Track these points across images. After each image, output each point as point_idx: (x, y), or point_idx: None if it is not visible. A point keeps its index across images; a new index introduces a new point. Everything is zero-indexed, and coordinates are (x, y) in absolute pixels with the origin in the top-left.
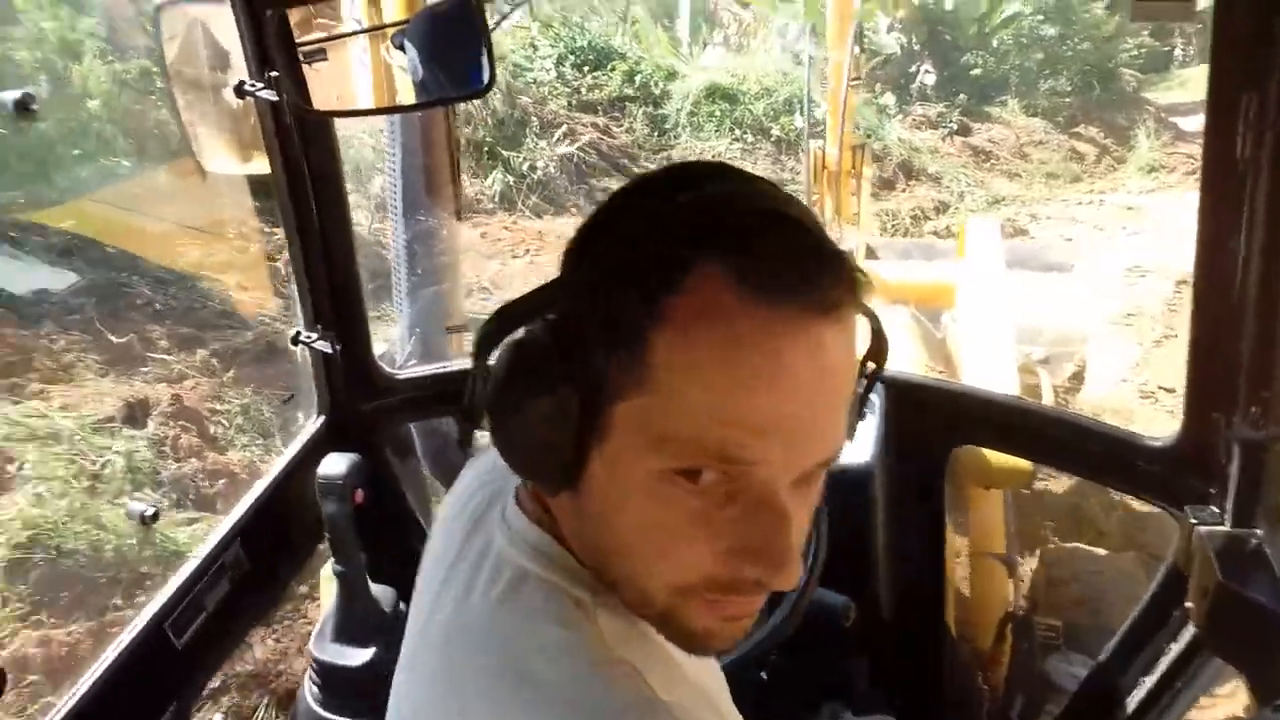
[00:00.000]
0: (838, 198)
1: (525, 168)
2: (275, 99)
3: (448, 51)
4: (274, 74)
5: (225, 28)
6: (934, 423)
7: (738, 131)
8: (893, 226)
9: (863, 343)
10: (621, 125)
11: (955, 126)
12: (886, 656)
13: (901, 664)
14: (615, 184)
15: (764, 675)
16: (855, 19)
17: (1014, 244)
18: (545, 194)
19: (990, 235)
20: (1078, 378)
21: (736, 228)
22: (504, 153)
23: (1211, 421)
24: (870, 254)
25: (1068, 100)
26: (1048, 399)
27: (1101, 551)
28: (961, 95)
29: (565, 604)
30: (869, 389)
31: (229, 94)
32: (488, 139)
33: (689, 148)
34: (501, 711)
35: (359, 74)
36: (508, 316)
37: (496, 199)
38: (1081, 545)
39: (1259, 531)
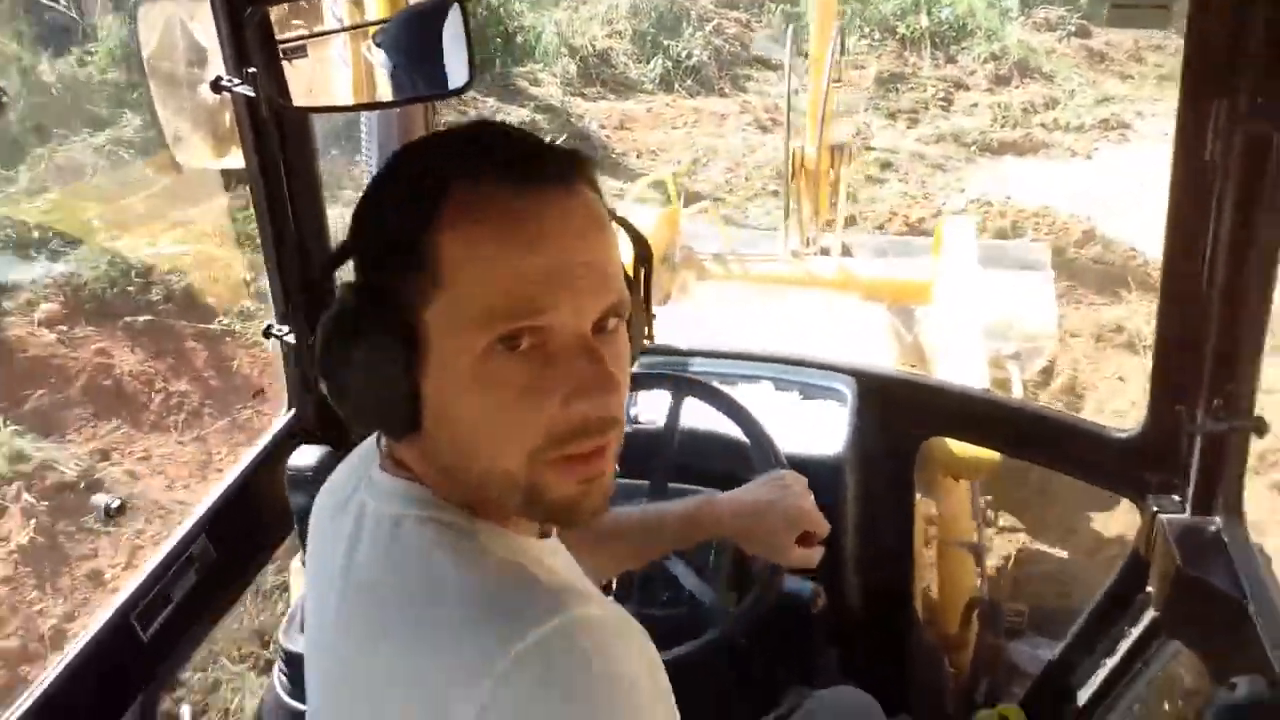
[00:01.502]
0: (815, 199)
1: (682, 54)
2: (252, 94)
3: (428, 50)
4: (252, 70)
5: (204, 23)
6: (904, 415)
7: (866, 29)
8: (1004, 119)
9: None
10: (761, 21)
11: (1074, 29)
12: (854, 642)
13: (869, 649)
14: (755, 73)
15: (730, 662)
16: (837, 20)
17: (988, 243)
18: (698, 78)
19: (965, 234)
20: (1047, 372)
21: (481, 143)
22: (664, 41)
23: (1174, 414)
24: (846, 252)
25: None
26: (1018, 393)
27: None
28: None
29: (445, 531)
30: (648, 279)
31: (205, 89)
32: (650, 29)
33: None
34: (417, 632)
35: (339, 71)
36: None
37: (656, 81)
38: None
39: (1218, 519)
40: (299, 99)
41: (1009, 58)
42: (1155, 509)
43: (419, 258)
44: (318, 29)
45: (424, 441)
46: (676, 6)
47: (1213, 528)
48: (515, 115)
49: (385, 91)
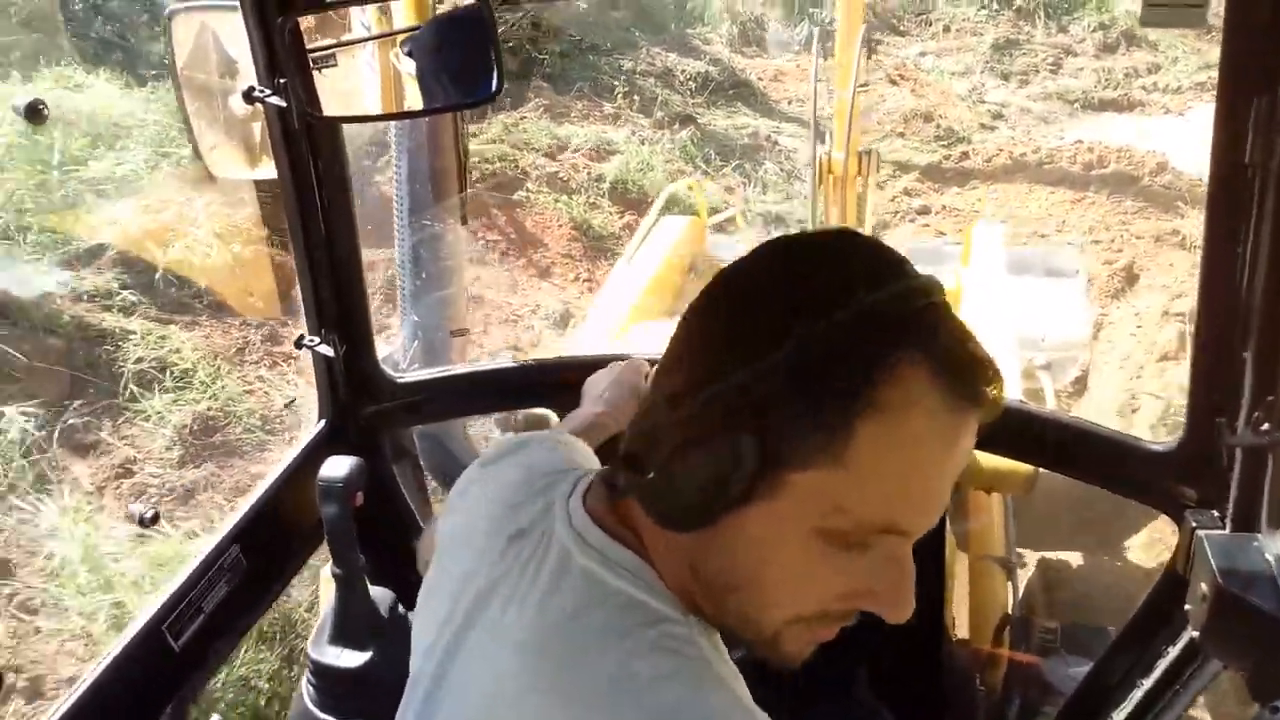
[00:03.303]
0: (843, 204)
1: (826, 20)
2: (284, 105)
3: (457, 58)
4: (283, 80)
5: (235, 34)
6: None
7: (985, 1)
8: (1106, 81)
9: None
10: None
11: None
12: (886, 659)
13: (900, 665)
14: (885, 38)
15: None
16: (863, 23)
17: (1018, 250)
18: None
19: (994, 242)
20: (1080, 383)
21: (930, 328)
22: (810, 9)
23: (1214, 426)
24: None
25: None
26: (1050, 403)
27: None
28: None
29: (665, 627)
30: None
31: (237, 100)
32: None
33: (944, 12)
34: None
35: (368, 80)
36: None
37: (803, 42)
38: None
39: (1259, 536)
40: (329, 109)
41: (1117, 27)
42: (1194, 524)
43: (832, 430)
44: (347, 37)
45: (697, 536)
46: (807, 16)
47: (1255, 544)
48: (692, 68)
49: (414, 100)
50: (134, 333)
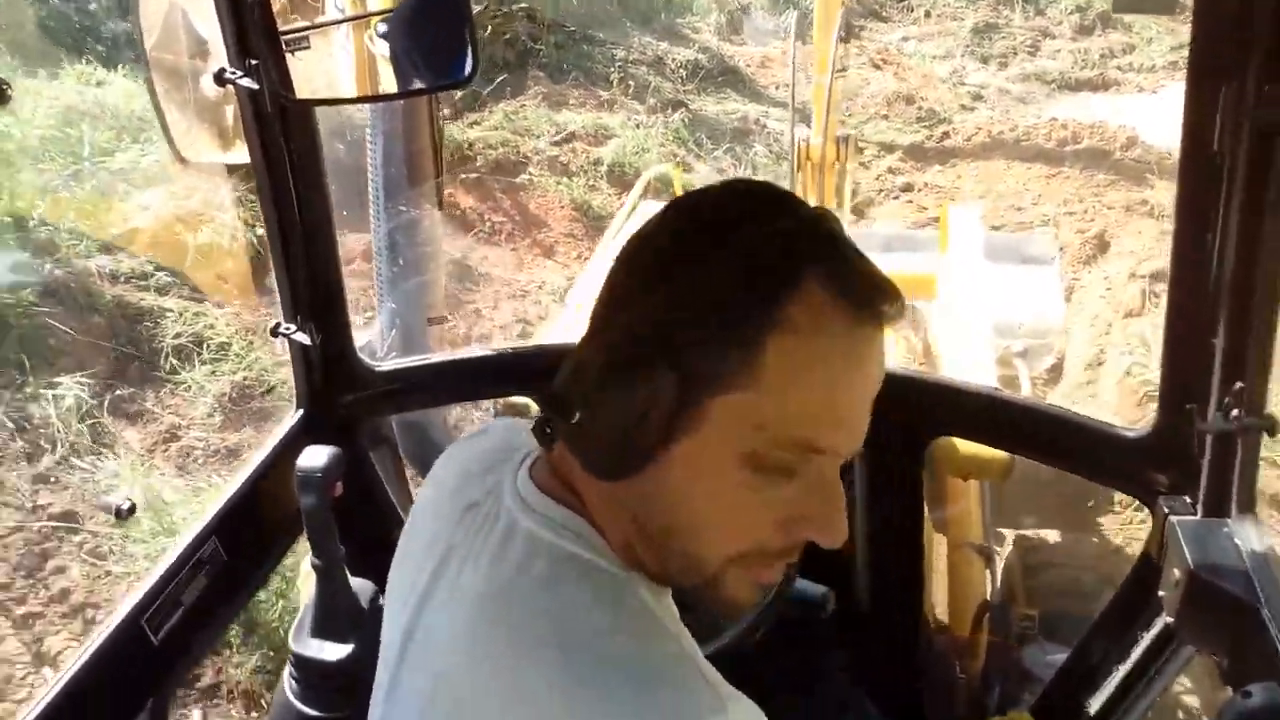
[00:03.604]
0: (821, 190)
1: (809, 8)
2: (255, 87)
3: (431, 41)
4: (255, 62)
5: (206, 14)
6: (912, 414)
7: None
8: (1083, 62)
9: None
10: None
11: None
12: (865, 646)
13: (880, 654)
14: (867, 24)
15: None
16: (841, 9)
17: (995, 236)
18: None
19: (972, 228)
20: (1056, 369)
21: (827, 251)
22: None
23: (1185, 413)
24: None
25: None
26: (1025, 391)
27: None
28: None
29: (609, 584)
30: None
31: (208, 82)
32: None
33: None
34: (571, 697)
35: (341, 62)
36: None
37: (789, 30)
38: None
39: (1229, 521)
40: (302, 91)
41: (1093, 10)
42: (1166, 510)
43: (744, 350)
44: (320, 19)
45: (629, 483)
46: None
47: (1225, 529)
48: (683, 55)
49: (389, 83)
50: (170, 310)
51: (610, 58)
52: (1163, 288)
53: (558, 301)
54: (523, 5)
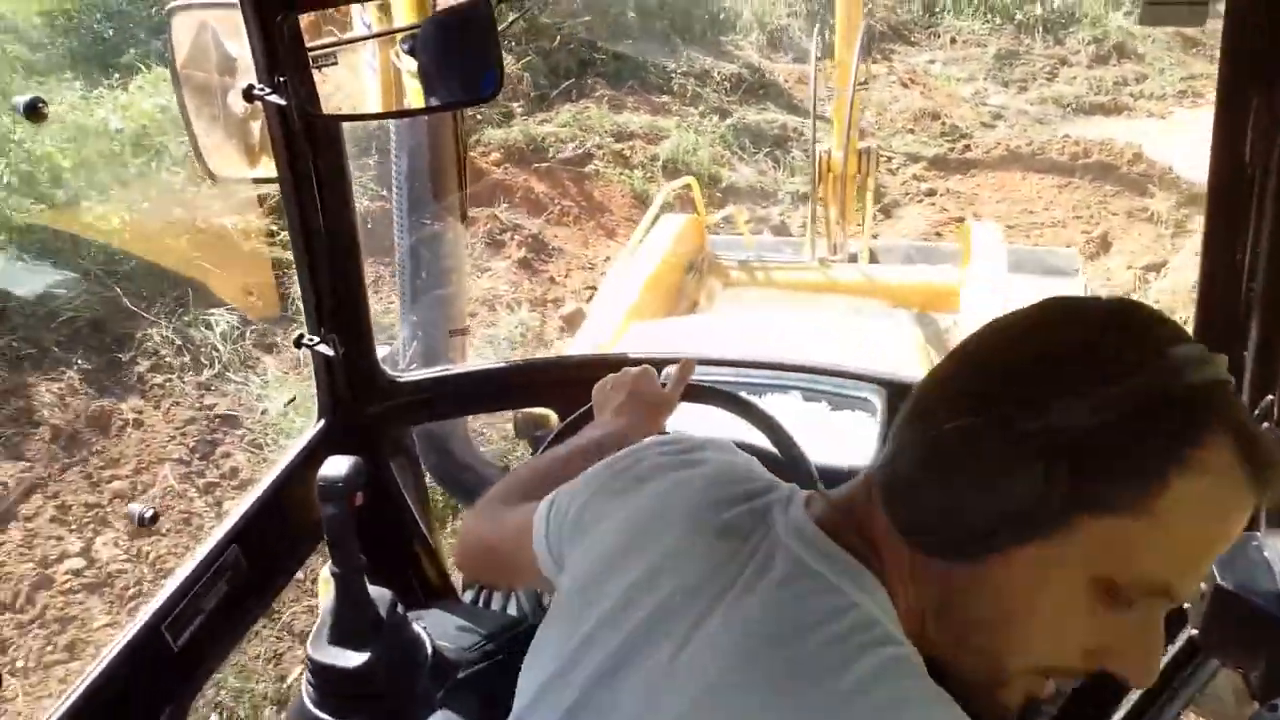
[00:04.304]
0: (841, 203)
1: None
2: (283, 103)
3: (457, 57)
4: (283, 78)
5: (235, 32)
6: None
7: (987, 15)
8: (1098, 88)
9: None
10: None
11: None
12: None
13: None
14: (896, 46)
15: None
16: (862, 26)
17: (1016, 248)
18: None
19: (993, 240)
20: None
21: (1242, 411)
22: (830, 19)
23: None
24: (873, 258)
25: None
26: None
27: None
28: None
29: (901, 653)
30: None
31: (236, 98)
32: (819, 8)
33: (951, 25)
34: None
35: (368, 79)
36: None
37: (825, 50)
38: None
39: (1258, 534)
40: (329, 107)
41: (1109, 40)
42: None
43: (1143, 479)
44: (347, 36)
45: (945, 567)
46: (809, 17)
47: (1254, 543)
48: (727, 69)
49: (414, 99)
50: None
51: (662, 69)
52: (1154, 278)
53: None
54: (584, 19)
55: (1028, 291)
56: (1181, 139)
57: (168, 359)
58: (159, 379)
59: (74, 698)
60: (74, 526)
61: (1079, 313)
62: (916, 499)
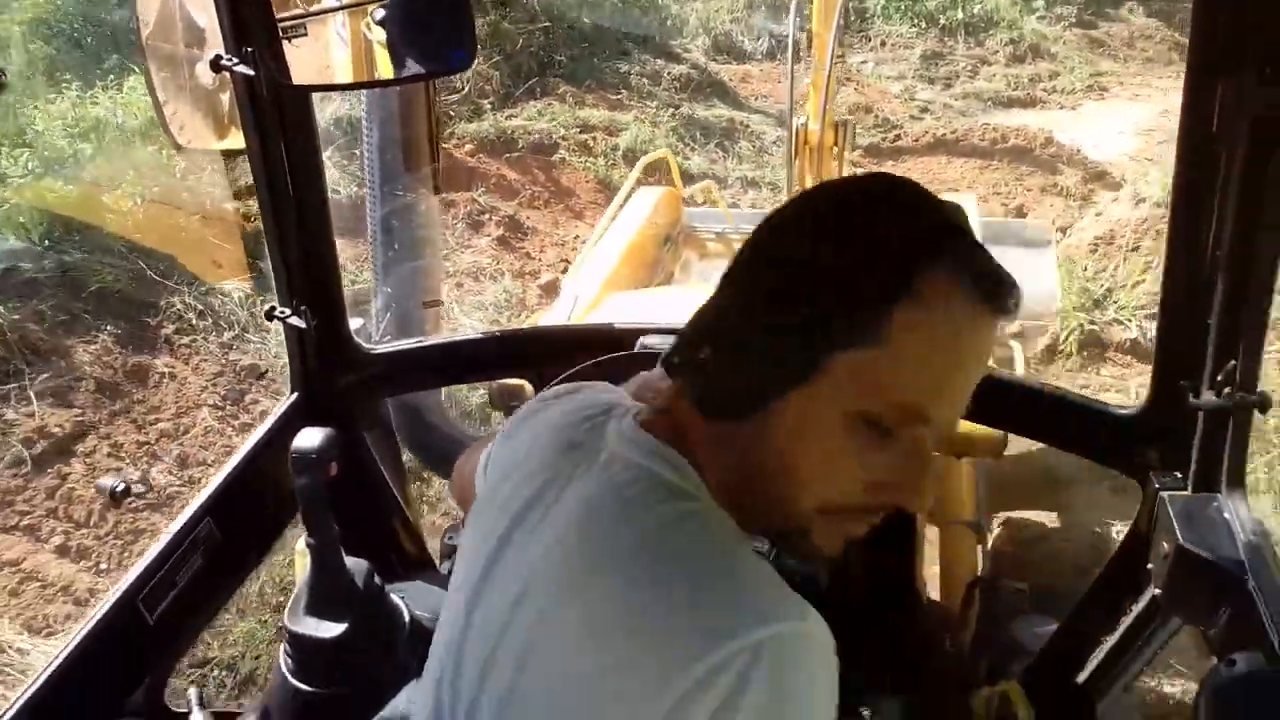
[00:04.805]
0: (818, 175)
1: (782, 34)
2: (252, 74)
3: (429, 27)
4: (251, 49)
5: (202, 2)
6: None
7: (914, 20)
8: (1014, 84)
9: None
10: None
11: (1074, 21)
12: (857, 622)
13: (872, 629)
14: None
15: None
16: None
17: (992, 221)
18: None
19: (969, 214)
20: (1050, 349)
21: (964, 243)
22: (769, 25)
23: (1178, 390)
24: None
25: (1183, 5)
26: (1019, 370)
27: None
28: None
29: (697, 509)
30: None
31: (204, 69)
32: (759, 16)
33: (881, 30)
34: (639, 598)
35: (338, 48)
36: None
37: (765, 52)
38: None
39: (1219, 496)
40: (299, 78)
41: (1025, 42)
42: (1157, 486)
43: (874, 310)
44: (317, 6)
45: (739, 425)
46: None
47: (1215, 504)
48: (676, 70)
49: (385, 70)
50: None
51: (616, 70)
52: (1061, 237)
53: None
54: (543, 25)
55: (1003, 261)
56: (1089, 126)
57: (192, 322)
58: (185, 340)
59: (48, 673)
60: (129, 460)
61: (839, 188)
62: (702, 370)
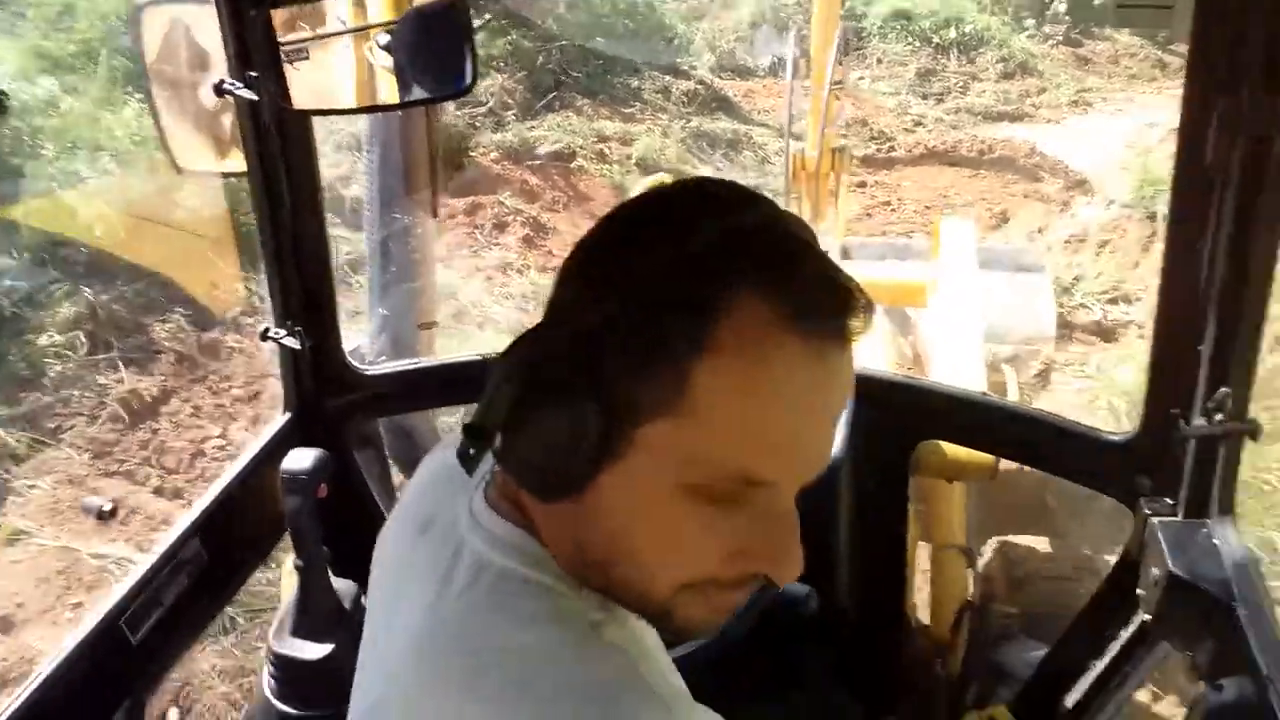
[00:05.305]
0: (815, 199)
1: (784, 52)
2: (255, 98)
3: (431, 52)
4: (254, 73)
5: (206, 27)
6: (899, 417)
7: (909, 39)
8: (1004, 100)
9: None
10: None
11: (1063, 39)
12: (848, 645)
13: (862, 653)
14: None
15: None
16: (839, 28)
17: (987, 246)
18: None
19: (964, 237)
20: (1043, 375)
21: (770, 260)
22: (772, 44)
23: (1169, 417)
24: (845, 254)
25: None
26: (1013, 396)
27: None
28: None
29: (554, 600)
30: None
31: (207, 93)
32: (763, 36)
33: (876, 48)
34: (499, 705)
35: (340, 73)
36: (531, 335)
37: (767, 68)
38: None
39: (1209, 521)
40: (301, 102)
41: (1014, 60)
42: (1148, 512)
43: (668, 377)
44: (320, 31)
45: (571, 507)
46: (779, 20)
47: (1205, 530)
48: (682, 86)
49: (388, 94)
50: None
51: (627, 85)
52: (1039, 236)
53: None
54: (560, 44)
55: (998, 287)
56: (1072, 139)
57: (255, 303)
58: (249, 320)
59: (28, 693)
60: (210, 419)
61: (620, 210)
62: (512, 445)
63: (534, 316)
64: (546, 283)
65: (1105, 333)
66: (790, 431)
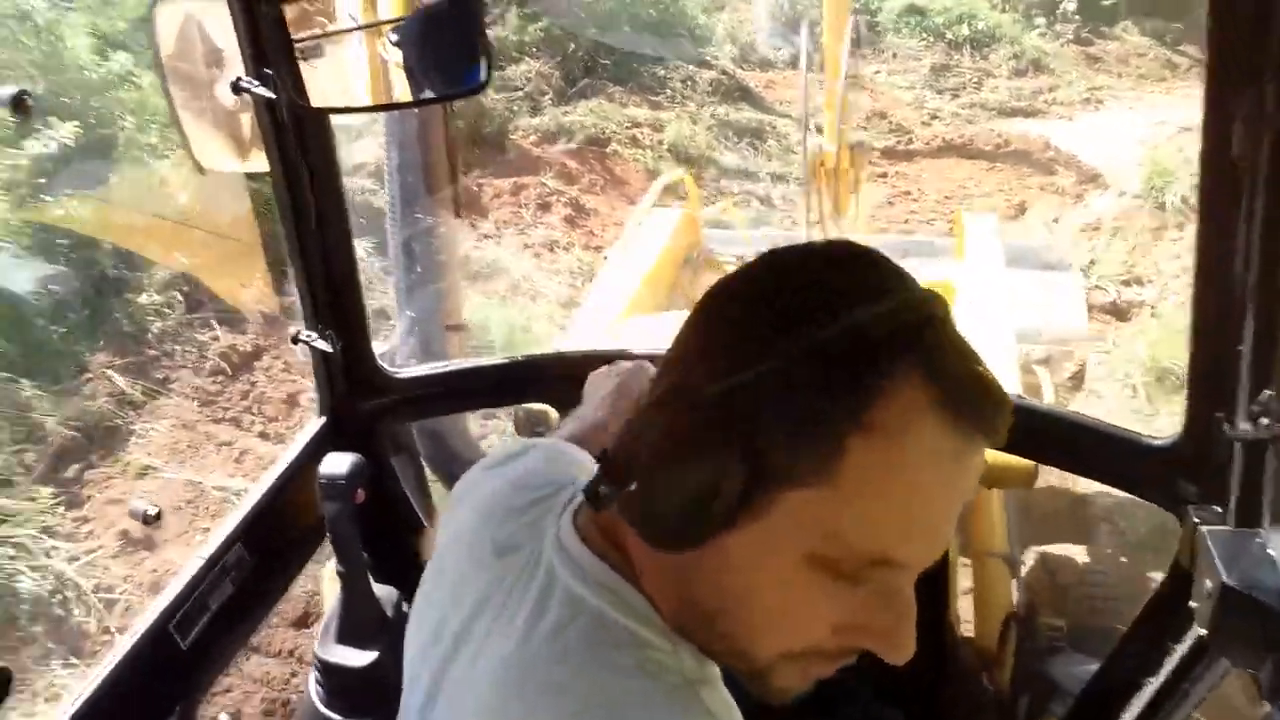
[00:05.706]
0: (835, 195)
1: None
2: (271, 96)
3: (444, 49)
4: (269, 71)
5: (221, 24)
6: None
7: (924, 35)
8: (1016, 95)
9: None
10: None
11: (1073, 37)
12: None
13: (906, 668)
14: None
15: None
16: (851, 14)
17: (1011, 243)
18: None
19: (989, 234)
20: (1077, 377)
21: (932, 348)
22: (790, 36)
23: (1213, 420)
24: None
25: (1174, 26)
26: (1048, 398)
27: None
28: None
29: (649, 654)
30: None
31: (225, 91)
32: (781, 26)
33: (892, 43)
34: None
35: (355, 71)
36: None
37: (787, 60)
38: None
39: (1262, 531)
40: (317, 100)
41: (1026, 57)
42: (1196, 520)
43: (823, 447)
44: (332, 27)
45: (672, 558)
46: (798, 12)
47: (1258, 540)
48: (705, 75)
49: (403, 91)
50: None
51: (653, 74)
52: (1055, 224)
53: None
54: (590, 34)
55: (1026, 286)
56: (1084, 134)
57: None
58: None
59: (84, 697)
60: (300, 374)
61: (779, 264)
62: (632, 490)
63: (581, 292)
64: (591, 260)
65: (1119, 312)
66: (930, 518)
